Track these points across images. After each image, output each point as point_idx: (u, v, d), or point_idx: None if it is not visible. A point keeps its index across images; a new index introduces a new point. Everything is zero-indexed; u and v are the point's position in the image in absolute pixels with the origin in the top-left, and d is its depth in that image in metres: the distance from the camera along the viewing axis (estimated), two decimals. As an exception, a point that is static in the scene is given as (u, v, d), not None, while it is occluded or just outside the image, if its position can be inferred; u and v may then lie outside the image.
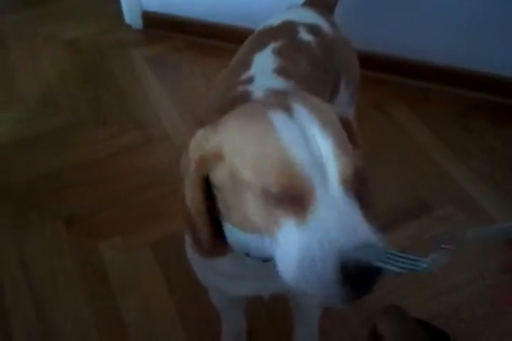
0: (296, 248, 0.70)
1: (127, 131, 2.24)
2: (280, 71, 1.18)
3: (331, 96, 1.37)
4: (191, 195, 0.82)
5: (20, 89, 2.49)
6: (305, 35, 1.32)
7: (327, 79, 1.32)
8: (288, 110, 0.75)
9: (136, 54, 2.66)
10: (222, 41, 2.56)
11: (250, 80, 1.15)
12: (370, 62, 2.30)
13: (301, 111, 0.75)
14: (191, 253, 1.06)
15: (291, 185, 0.70)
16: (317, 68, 1.28)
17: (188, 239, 1.05)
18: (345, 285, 0.68)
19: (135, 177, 2.03)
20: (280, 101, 0.78)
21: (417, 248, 1.72)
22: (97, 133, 2.24)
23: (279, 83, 1.14)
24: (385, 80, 2.39)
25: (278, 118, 0.74)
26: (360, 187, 0.76)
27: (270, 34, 1.33)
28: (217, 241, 0.87)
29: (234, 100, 1.09)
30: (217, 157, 0.77)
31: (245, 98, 1.07)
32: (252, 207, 0.74)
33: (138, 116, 2.32)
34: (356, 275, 0.67)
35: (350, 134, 0.81)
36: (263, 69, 1.19)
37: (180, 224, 1.66)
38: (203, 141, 0.79)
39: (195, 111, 2.24)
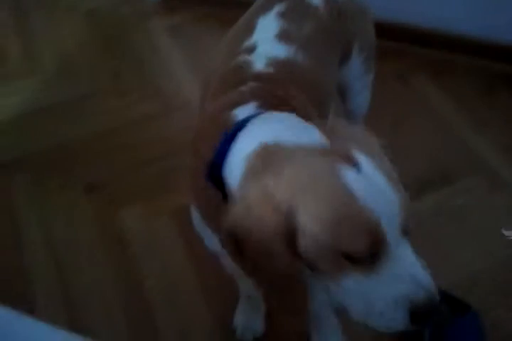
0: (360, 293, 0.76)
1: (146, 100, 2.24)
2: (282, 35, 1.15)
3: (341, 62, 1.35)
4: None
5: (40, 58, 2.49)
6: None
7: (335, 45, 1.29)
8: (353, 162, 0.75)
9: (156, 24, 2.64)
10: (243, 11, 2.52)
11: (252, 48, 1.13)
12: (393, 32, 2.27)
13: (367, 165, 0.75)
14: (200, 227, 1.08)
15: (373, 245, 0.72)
16: (323, 33, 1.24)
17: (195, 213, 1.06)
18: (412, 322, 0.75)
19: (154, 145, 2.03)
20: (343, 150, 0.77)
21: (438, 218, 1.71)
22: (117, 102, 2.24)
23: (281, 49, 1.12)
24: (408, 51, 2.35)
25: (351, 177, 0.73)
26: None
27: None
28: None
29: (234, 71, 1.09)
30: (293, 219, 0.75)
31: (246, 70, 1.07)
32: (324, 262, 0.76)
33: (157, 85, 2.31)
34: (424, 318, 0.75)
35: None
36: (266, 34, 1.17)
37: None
38: (271, 201, 0.76)
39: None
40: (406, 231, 0.76)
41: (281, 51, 1.12)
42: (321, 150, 0.79)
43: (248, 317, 1.49)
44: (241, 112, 0.96)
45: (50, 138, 2.09)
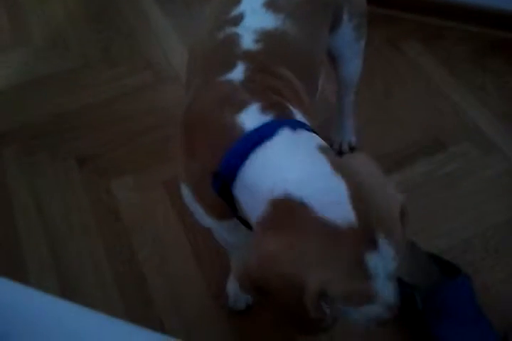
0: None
1: (137, 71, 2.22)
2: (270, 4, 1.11)
3: (331, 29, 1.32)
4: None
5: (28, 30, 2.46)
6: None
7: (324, 11, 1.26)
8: (375, 246, 0.77)
9: (146, -7, 2.60)
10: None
11: (239, 18, 1.09)
12: (385, -1, 2.24)
13: (386, 249, 0.78)
14: (191, 203, 1.06)
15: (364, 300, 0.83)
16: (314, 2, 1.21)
17: (185, 190, 1.04)
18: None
19: (146, 117, 2.02)
20: (368, 232, 0.78)
21: (431, 184, 1.72)
22: (107, 73, 2.22)
23: (269, 19, 1.09)
24: (401, 18, 2.31)
25: (371, 260, 0.77)
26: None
27: None
28: None
29: (221, 47, 1.06)
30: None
31: (233, 44, 1.03)
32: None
33: (148, 56, 2.29)
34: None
35: (402, 216, 0.84)
36: (253, 3, 1.12)
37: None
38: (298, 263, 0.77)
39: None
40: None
41: (269, 21, 1.09)
42: (346, 226, 0.78)
43: (240, 286, 1.50)
44: (247, 119, 0.91)
45: (40, 110, 2.07)
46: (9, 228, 1.72)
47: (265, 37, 1.06)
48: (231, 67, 1.00)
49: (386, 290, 0.83)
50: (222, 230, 1.11)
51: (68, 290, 1.54)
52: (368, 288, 0.79)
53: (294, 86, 1.04)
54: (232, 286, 1.50)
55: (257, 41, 1.04)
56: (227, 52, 1.04)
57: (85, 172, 1.85)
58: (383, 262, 0.78)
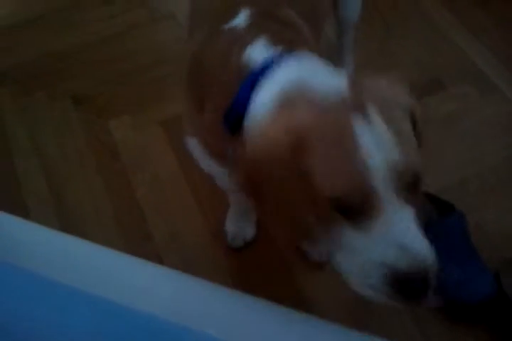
0: (350, 248, 0.76)
1: (132, 9, 2.16)
2: None
3: None
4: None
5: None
6: None
7: None
8: (367, 119, 0.73)
9: None
10: None
11: None
12: None
13: (378, 123, 0.73)
14: (192, 147, 1.07)
15: (359, 194, 0.71)
16: None
17: (191, 140, 1.06)
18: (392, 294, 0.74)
19: (142, 55, 1.99)
20: (357, 99, 0.75)
21: (430, 124, 1.71)
22: (101, 11, 2.15)
23: None
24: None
25: (359, 126, 0.72)
26: (416, 190, 0.76)
27: None
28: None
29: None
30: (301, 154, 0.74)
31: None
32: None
33: (142, -7, 2.23)
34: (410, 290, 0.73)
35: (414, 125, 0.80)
36: None
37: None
38: (282, 140, 0.75)
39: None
40: (407, 198, 0.75)
41: None
42: (341, 97, 0.77)
43: (239, 223, 1.52)
44: (254, 53, 0.92)
45: (35, 49, 2.03)
46: (8, 168, 1.72)
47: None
48: (235, 13, 0.99)
49: (399, 216, 0.73)
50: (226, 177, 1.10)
51: (68, 227, 1.55)
52: (355, 159, 0.71)
53: (298, 27, 1.03)
54: (230, 223, 1.53)
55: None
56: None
57: (82, 111, 1.83)
58: (374, 136, 0.72)
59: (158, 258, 1.51)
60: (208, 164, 1.10)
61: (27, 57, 2.02)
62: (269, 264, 1.49)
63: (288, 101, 0.80)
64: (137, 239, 1.56)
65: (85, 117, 1.82)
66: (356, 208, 0.73)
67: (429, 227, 1.36)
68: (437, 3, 2.08)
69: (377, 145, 0.72)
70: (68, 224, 1.59)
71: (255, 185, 0.80)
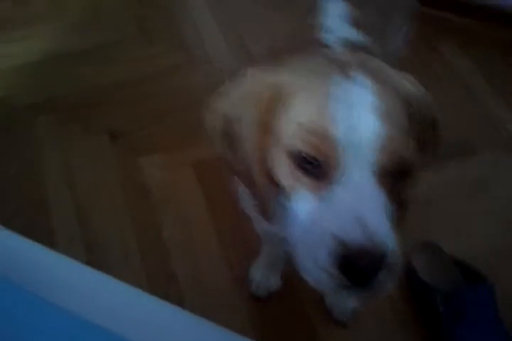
0: (304, 218, 0.71)
1: (171, 51, 2.22)
2: (351, 19, 1.15)
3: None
4: (252, 147, 0.76)
5: (65, 2, 2.45)
6: None
7: (390, 25, 1.30)
8: (350, 79, 0.72)
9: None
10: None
11: (322, 26, 1.12)
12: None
13: (362, 85, 0.71)
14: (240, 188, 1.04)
15: (320, 148, 0.69)
16: (383, 16, 1.25)
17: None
18: (335, 274, 0.67)
19: (176, 97, 2.03)
20: (350, 66, 0.75)
21: (460, 187, 1.72)
22: (141, 51, 2.22)
23: (351, 32, 1.12)
24: (441, 17, 2.30)
25: (337, 86, 0.71)
26: (399, 181, 0.73)
27: None
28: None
29: (305, 43, 1.07)
30: (279, 98, 0.74)
31: (317, 43, 1.05)
32: (279, 164, 0.74)
33: (182, 36, 2.29)
34: (348, 271, 0.66)
35: (430, 126, 0.81)
36: (334, 15, 1.16)
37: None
38: (264, 79, 0.77)
39: (241, 37, 2.23)
40: (382, 181, 0.70)
41: (350, 34, 1.11)
42: (336, 60, 0.78)
43: (265, 273, 1.51)
44: None
45: (74, 83, 2.08)
46: (39, 197, 1.73)
47: (349, 44, 1.07)
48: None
49: (357, 175, 0.68)
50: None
51: (94, 261, 1.55)
52: (324, 115, 0.69)
53: None
54: (256, 272, 1.52)
55: (339, 43, 1.06)
56: (312, 47, 1.04)
57: (116, 146, 1.86)
58: (356, 103, 0.70)
59: (179, 299, 1.50)
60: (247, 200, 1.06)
61: (67, 88, 2.07)
62: (291, 317, 1.47)
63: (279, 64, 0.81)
64: (160, 278, 1.55)
65: (119, 152, 1.84)
66: (317, 169, 0.70)
67: (458, 294, 1.37)
68: (473, 67, 2.12)
69: (351, 110, 0.69)
70: (93, 257, 1.59)
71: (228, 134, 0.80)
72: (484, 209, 1.68)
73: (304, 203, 0.72)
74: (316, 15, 1.16)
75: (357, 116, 0.69)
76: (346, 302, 1.46)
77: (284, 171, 0.73)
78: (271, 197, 0.79)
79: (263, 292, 1.50)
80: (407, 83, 0.80)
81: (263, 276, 1.50)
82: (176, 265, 1.58)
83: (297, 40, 1.11)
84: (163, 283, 1.55)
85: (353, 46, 1.06)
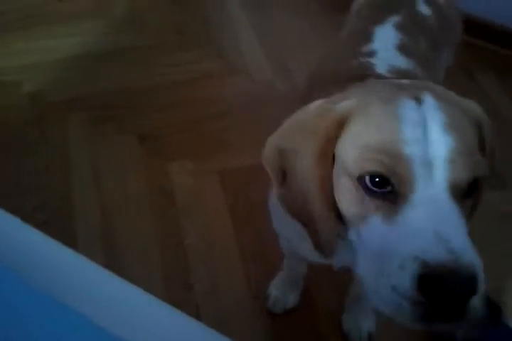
0: (376, 246, 0.67)
1: (208, 58, 2.23)
2: (402, 48, 1.14)
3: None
4: (312, 179, 0.74)
5: (110, 3, 2.49)
6: (424, 8, 1.28)
7: (441, 56, 1.31)
8: (418, 100, 0.71)
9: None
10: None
11: (372, 53, 1.11)
12: (468, 27, 2.21)
13: (430, 105, 0.70)
14: (274, 204, 1.00)
15: (393, 167, 0.66)
16: (434, 46, 1.25)
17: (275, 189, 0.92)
18: (419, 300, 0.61)
19: (210, 104, 2.03)
20: (414, 89, 0.74)
21: (485, 222, 1.68)
22: (179, 56, 2.24)
23: (401, 61, 1.11)
24: (477, 45, 2.30)
25: (406, 107, 0.70)
26: (468, 199, 0.70)
27: (387, 4, 1.27)
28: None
29: (353, 70, 1.05)
30: (344, 126, 0.73)
31: (367, 69, 1.03)
32: (345, 191, 0.71)
33: (220, 45, 2.30)
34: (434, 295, 0.60)
35: (484, 139, 0.77)
36: (385, 43, 1.15)
37: (249, 159, 1.68)
38: (327, 111, 0.75)
39: (280, 51, 2.24)
40: (459, 194, 0.67)
41: (401, 62, 1.10)
42: (398, 84, 0.78)
43: (284, 290, 1.49)
44: None
45: (109, 82, 2.10)
46: (63, 194, 1.74)
47: (397, 72, 1.06)
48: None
49: (439, 206, 0.64)
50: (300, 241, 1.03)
51: (112, 264, 1.54)
52: (392, 137, 0.67)
53: None
54: (275, 288, 1.50)
55: (390, 71, 1.04)
56: (361, 72, 1.03)
57: (145, 150, 1.86)
58: (425, 124, 0.68)
59: (195, 309, 1.49)
60: (285, 224, 1.01)
61: (100, 88, 2.08)
62: (307, 334, 1.45)
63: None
64: (178, 287, 1.54)
65: (147, 156, 1.85)
66: (387, 194, 0.67)
67: (482, 335, 1.34)
68: (507, 98, 2.10)
69: (423, 129, 0.67)
70: (113, 260, 1.58)
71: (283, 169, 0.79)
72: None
73: (374, 228, 0.69)
74: (366, 41, 1.15)
75: (429, 133, 0.67)
76: (362, 327, 1.43)
77: (352, 198, 0.71)
78: (334, 231, 0.77)
79: (279, 309, 1.48)
80: (476, 106, 0.79)
81: (281, 293, 1.48)
82: (195, 274, 1.56)
83: (342, 66, 1.09)
84: (180, 291, 1.53)
85: (403, 75, 1.04)
